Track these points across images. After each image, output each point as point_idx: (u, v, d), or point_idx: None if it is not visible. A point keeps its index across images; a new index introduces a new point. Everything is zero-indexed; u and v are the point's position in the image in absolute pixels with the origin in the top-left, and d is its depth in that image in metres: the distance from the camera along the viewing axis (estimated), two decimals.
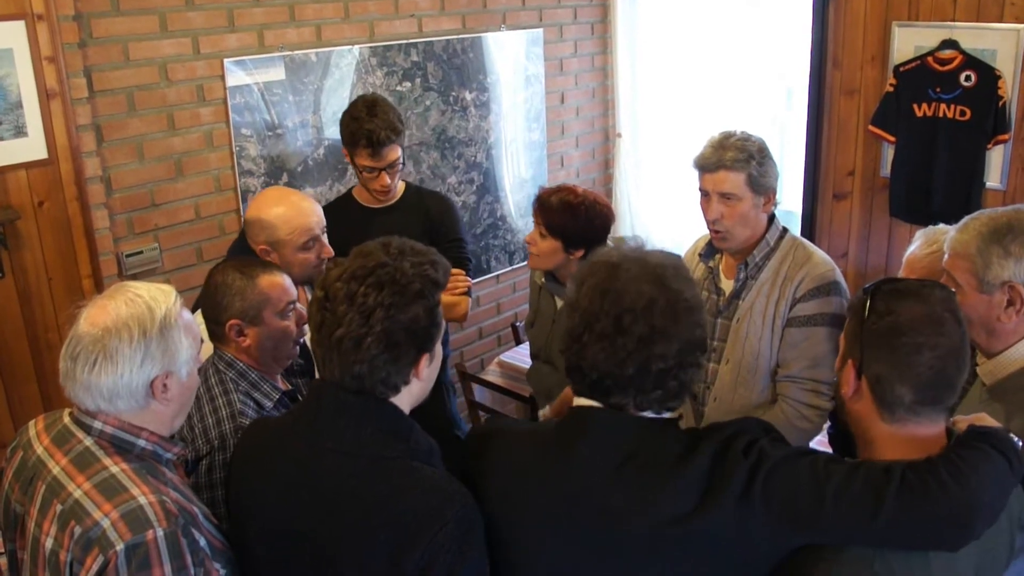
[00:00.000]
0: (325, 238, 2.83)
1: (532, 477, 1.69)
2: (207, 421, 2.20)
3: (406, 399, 1.75)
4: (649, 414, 1.65)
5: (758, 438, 1.62)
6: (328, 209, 3.49)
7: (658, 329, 1.57)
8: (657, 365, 1.58)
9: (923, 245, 2.56)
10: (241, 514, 1.86)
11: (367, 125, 3.18)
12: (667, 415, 1.67)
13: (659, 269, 1.63)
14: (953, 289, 1.99)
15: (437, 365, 1.81)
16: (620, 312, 1.58)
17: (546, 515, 1.65)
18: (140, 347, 1.73)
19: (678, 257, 1.73)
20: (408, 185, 3.52)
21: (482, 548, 1.66)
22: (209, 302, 2.31)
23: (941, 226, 2.59)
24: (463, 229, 3.52)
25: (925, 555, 1.54)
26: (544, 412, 2.30)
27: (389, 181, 3.29)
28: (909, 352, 1.57)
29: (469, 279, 3.34)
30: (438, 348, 1.79)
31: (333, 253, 2.85)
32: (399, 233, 3.17)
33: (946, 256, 2.07)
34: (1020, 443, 1.63)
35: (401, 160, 3.32)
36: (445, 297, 3.16)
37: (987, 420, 1.70)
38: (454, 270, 3.24)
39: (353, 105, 3.30)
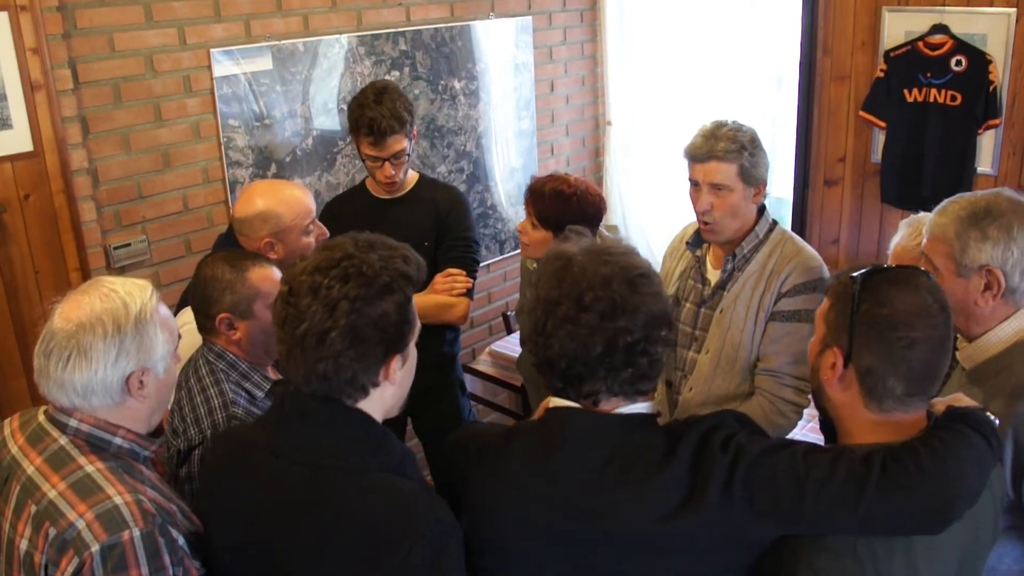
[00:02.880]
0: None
1: (512, 483, 1.67)
2: (199, 411, 2.19)
3: (377, 405, 1.67)
4: (624, 408, 1.65)
5: (735, 432, 1.62)
6: (340, 199, 3.53)
7: (619, 302, 1.58)
8: (624, 339, 1.58)
9: (911, 235, 2.55)
10: (208, 523, 1.81)
11: (369, 112, 3.12)
12: (642, 408, 1.66)
13: (609, 250, 1.66)
14: (931, 272, 2.00)
15: (411, 369, 1.74)
16: (579, 292, 1.59)
17: (528, 521, 1.64)
18: (114, 343, 1.70)
19: (627, 244, 1.75)
20: (422, 177, 3.46)
21: (458, 567, 1.59)
22: (199, 295, 2.30)
23: (923, 214, 2.58)
24: (472, 226, 3.42)
25: (908, 537, 1.55)
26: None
27: (392, 172, 3.22)
28: (904, 347, 1.57)
29: (470, 280, 3.29)
30: (412, 350, 1.71)
31: (328, 234, 2.86)
32: (408, 226, 3.18)
33: (924, 239, 2.07)
34: (997, 421, 1.64)
35: (407, 151, 3.23)
36: (443, 298, 3.19)
37: (964, 400, 1.70)
38: (453, 270, 3.25)
39: (363, 90, 3.24)
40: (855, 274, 1.65)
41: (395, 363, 1.65)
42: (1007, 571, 1.99)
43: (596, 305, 1.58)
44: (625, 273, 1.61)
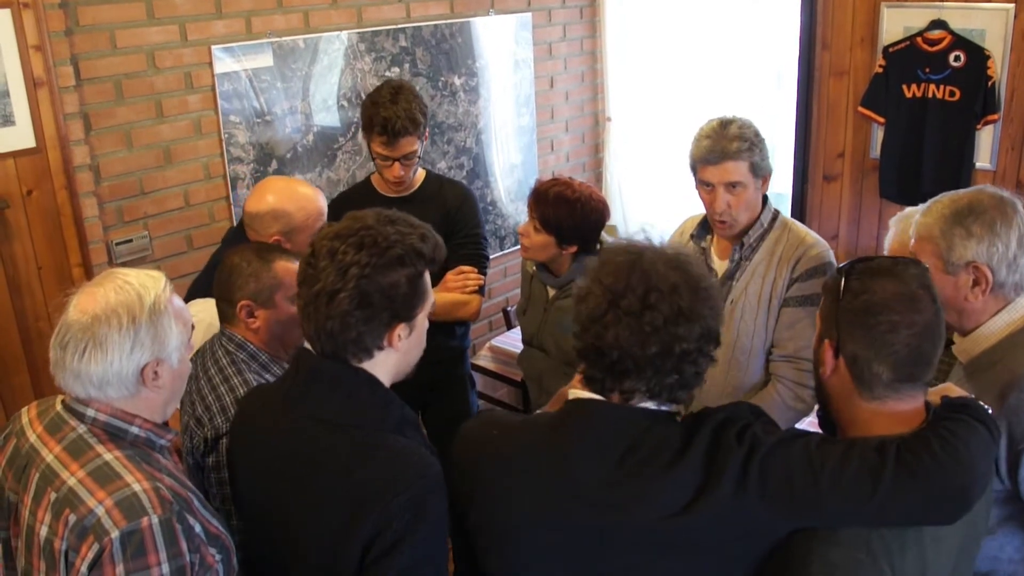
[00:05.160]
0: None
1: (529, 472, 1.67)
2: (224, 400, 2.20)
3: (383, 368, 1.77)
4: (651, 405, 1.64)
5: (750, 423, 1.62)
6: (346, 196, 3.49)
7: (683, 310, 1.57)
8: (680, 346, 1.57)
9: (904, 229, 2.57)
10: (235, 475, 1.94)
11: (384, 112, 3.08)
12: (666, 408, 1.66)
13: (680, 257, 1.65)
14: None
15: (420, 341, 1.83)
16: (647, 290, 1.58)
17: (540, 511, 1.65)
18: (129, 334, 1.72)
19: (695, 254, 1.74)
20: (428, 174, 3.43)
21: (438, 525, 1.67)
22: (223, 282, 2.34)
23: (909, 210, 2.61)
24: (481, 223, 3.40)
25: (919, 530, 1.56)
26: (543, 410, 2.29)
27: (401, 173, 3.19)
28: (885, 331, 1.59)
29: (481, 277, 3.29)
30: (420, 322, 1.81)
31: None
32: None
33: (912, 240, 2.10)
34: (991, 411, 1.66)
35: (419, 153, 3.21)
36: (456, 295, 3.20)
37: (955, 390, 1.73)
38: (465, 268, 3.24)
39: (378, 89, 3.21)
40: (841, 268, 1.68)
41: (400, 330, 1.74)
42: (1008, 560, 2.01)
43: (661, 306, 1.57)
44: (693, 282, 1.61)
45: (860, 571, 1.51)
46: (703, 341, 1.61)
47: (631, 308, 1.58)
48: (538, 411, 2.10)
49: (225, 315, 2.35)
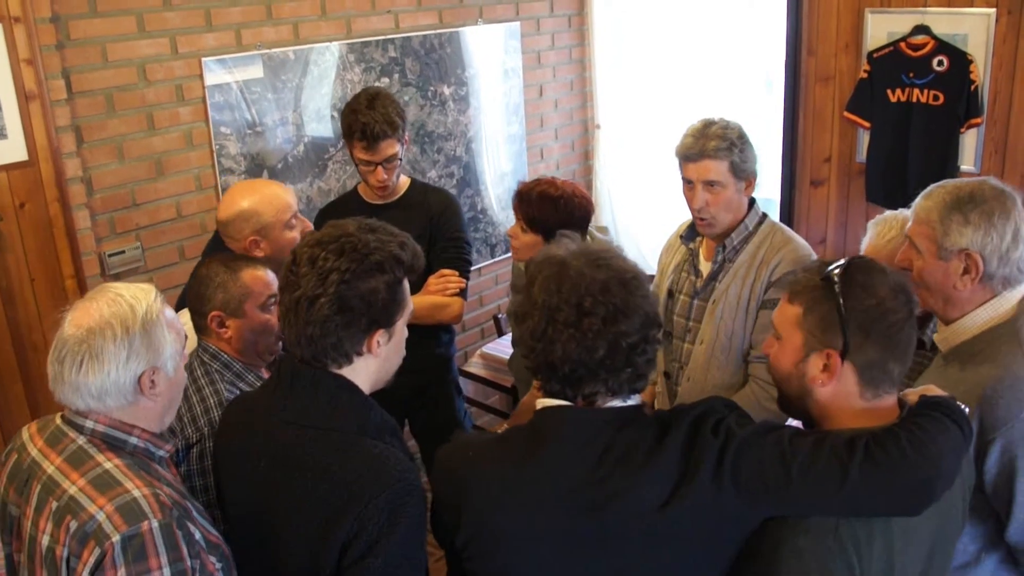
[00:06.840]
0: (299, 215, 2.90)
1: (511, 487, 1.69)
2: (195, 410, 2.24)
3: (362, 375, 1.80)
4: (617, 402, 1.68)
5: (725, 416, 1.66)
6: (333, 205, 3.56)
7: (619, 307, 1.62)
8: (626, 341, 1.62)
9: (880, 234, 2.60)
10: (219, 483, 1.97)
11: (363, 118, 3.16)
12: (633, 401, 1.70)
13: (602, 255, 1.69)
14: (914, 255, 2.08)
15: (399, 347, 1.86)
16: (579, 297, 1.62)
17: (531, 521, 1.67)
18: (124, 344, 1.75)
19: (615, 246, 1.78)
20: (413, 182, 3.49)
21: (414, 528, 1.70)
22: (193, 294, 2.38)
23: (888, 213, 2.64)
24: (464, 228, 3.47)
25: (887, 521, 1.60)
26: (504, 424, 2.31)
27: (384, 176, 3.26)
28: (895, 331, 1.64)
29: (463, 280, 3.33)
30: (399, 329, 1.84)
31: (313, 227, 2.90)
32: (402, 230, 3.24)
33: (909, 223, 2.13)
34: (967, 409, 1.69)
35: (400, 156, 3.28)
36: (437, 298, 3.23)
37: (935, 391, 1.75)
38: (446, 271, 3.29)
39: (355, 97, 3.28)
40: (826, 275, 1.68)
41: (379, 337, 1.78)
42: (963, 550, 2.04)
43: (597, 310, 1.61)
44: (620, 276, 1.65)
45: (827, 557, 1.55)
46: (646, 329, 1.65)
47: (568, 319, 1.62)
48: (506, 425, 2.13)
49: (199, 327, 2.39)
